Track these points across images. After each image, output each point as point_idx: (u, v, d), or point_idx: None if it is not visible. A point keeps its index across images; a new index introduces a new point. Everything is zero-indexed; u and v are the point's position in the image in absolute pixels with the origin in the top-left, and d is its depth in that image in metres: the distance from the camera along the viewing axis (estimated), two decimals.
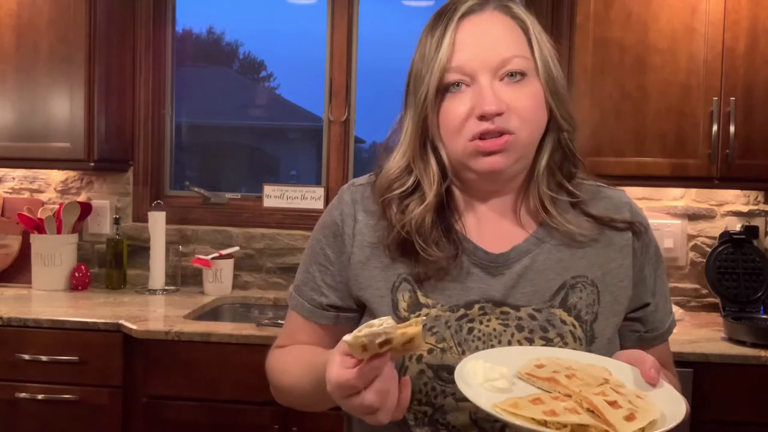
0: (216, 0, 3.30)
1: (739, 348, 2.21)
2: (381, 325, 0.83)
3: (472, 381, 0.91)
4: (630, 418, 0.82)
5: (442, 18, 1.06)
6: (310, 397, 1.06)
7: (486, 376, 0.92)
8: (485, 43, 1.03)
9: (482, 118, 1.01)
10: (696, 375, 2.16)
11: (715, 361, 2.16)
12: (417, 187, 1.09)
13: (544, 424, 0.82)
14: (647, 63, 2.46)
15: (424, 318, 0.87)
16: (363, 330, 0.83)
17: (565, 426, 0.82)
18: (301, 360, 1.09)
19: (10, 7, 2.68)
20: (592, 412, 0.84)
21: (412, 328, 0.84)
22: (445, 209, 1.10)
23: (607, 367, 0.95)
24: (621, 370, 0.95)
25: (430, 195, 1.07)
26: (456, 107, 1.04)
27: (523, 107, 1.03)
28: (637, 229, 1.12)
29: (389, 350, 0.84)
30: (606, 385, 0.89)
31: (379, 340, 0.83)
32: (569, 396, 0.88)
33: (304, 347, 1.15)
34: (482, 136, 1.02)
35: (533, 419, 0.82)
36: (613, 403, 0.84)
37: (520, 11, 1.08)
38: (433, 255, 1.05)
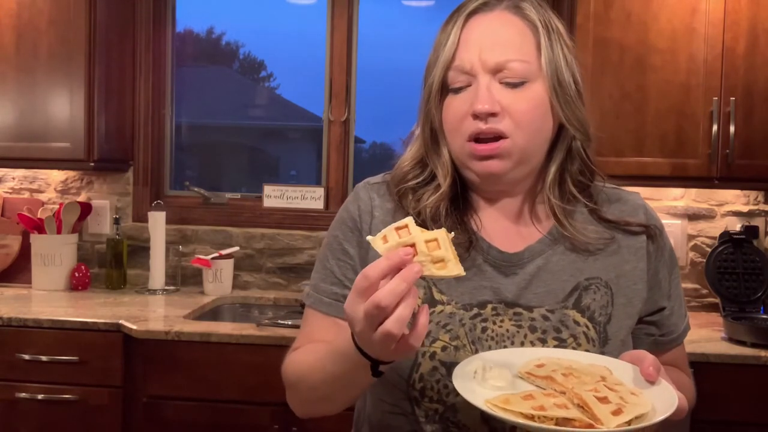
0: (216, 0, 3.30)
1: (739, 348, 2.21)
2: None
3: (470, 380, 0.92)
4: (617, 412, 0.83)
5: (454, 14, 1.08)
6: (327, 379, 1.00)
7: (485, 376, 0.93)
8: (487, 43, 1.03)
9: (476, 117, 1.02)
10: (696, 375, 2.14)
11: (715, 361, 2.16)
12: (432, 179, 1.10)
13: (531, 418, 0.83)
14: (647, 63, 2.46)
15: (453, 233, 0.86)
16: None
17: (550, 419, 0.83)
18: (320, 347, 1.05)
19: (10, 7, 2.68)
20: (582, 407, 0.86)
21: (435, 231, 0.85)
22: (459, 203, 1.10)
23: (608, 366, 0.96)
24: (622, 369, 0.95)
25: (445, 184, 1.08)
26: (456, 105, 1.05)
27: (519, 111, 1.02)
28: (652, 232, 1.12)
29: (413, 249, 0.84)
30: (601, 383, 0.90)
31: (393, 226, 0.85)
32: (563, 393, 0.89)
33: (322, 342, 1.10)
34: (478, 138, 1.03)
35: (521, 413, 0.83)
36: (602, 399, 0.86)
37: (533, 13, 1.06)
38: None
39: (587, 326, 1.05)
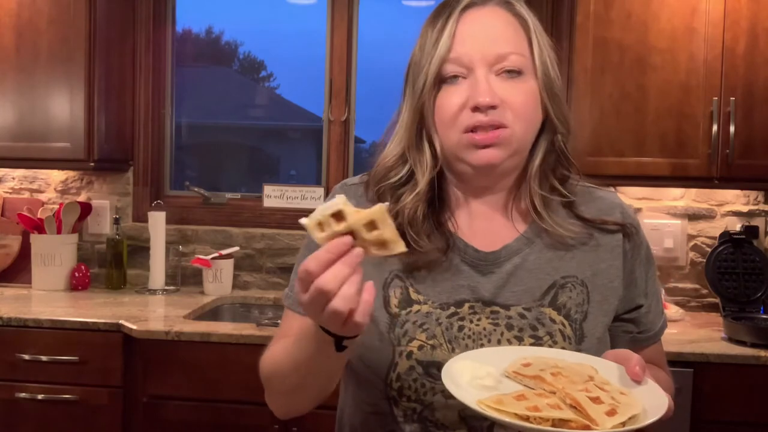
0: (216, 0, 3.30)
1: (739, 348, 2.21)
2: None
3: (459, 380, 0.92)
4: (611, 413, 0.83)
5: (444, 9, 1.08)
6: (295, 366, 1.01)
7: (473, 375, 0.93)
8: (484, 36, 1.05)
9: (476, 109, 1.02)
10: (696, 375, 2.16)
11: (715, 361, 2.16)
12: (411, 177, 1.11)
13: (527, 419, 0.83)
14: (647, 63, 2.46)
15: (389, 204, 0.86)
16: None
17: (546, 420, 0.83)
18: (288, 340, 1.06)
19: (10, 7, 2.68)
20: (575, 407, 0.86)
21: (370, 210, 0.84)
22: (437, 204, 1.11)
23: (593, 365, 0.96)
24: (607, 369, 0.96)
25: (422, 183, 1.08)
26: (451, 98, 1.05)
27: (518, 102, 1.04)
28: (628, 230, 1.13)
29: (350, 233, 0.83)
30: (590, 383, 0.90)
31: (328, 212, 0.84)
32: (554, 393, 0.89)
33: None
34: (475, 129, 1.03)
35: (516, 414, 0.83)
36: (595, 399, 0.86)
37: (523, 10, 1.09)
38: (424, 247, 1.05)
39: (563, 324, 1.06)
